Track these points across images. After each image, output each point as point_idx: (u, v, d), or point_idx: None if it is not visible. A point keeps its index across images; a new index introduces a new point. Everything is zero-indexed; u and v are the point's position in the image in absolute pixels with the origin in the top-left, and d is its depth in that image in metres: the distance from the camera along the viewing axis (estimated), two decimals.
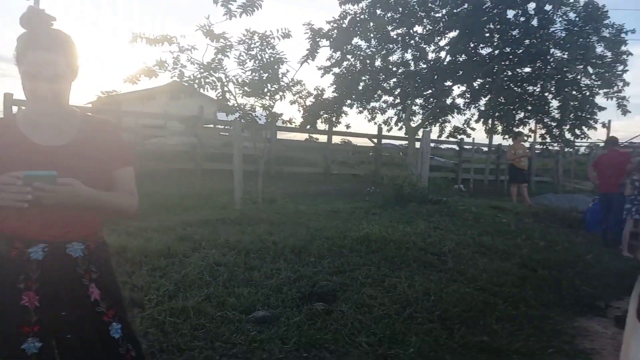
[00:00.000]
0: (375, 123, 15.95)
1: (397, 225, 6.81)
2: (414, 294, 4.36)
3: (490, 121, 14.57)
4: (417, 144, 12.72)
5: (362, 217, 7.54)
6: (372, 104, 15.46)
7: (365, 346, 3.44)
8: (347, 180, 13.52)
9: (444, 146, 17.28)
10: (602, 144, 20.28)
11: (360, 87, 14.43)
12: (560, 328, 4.12)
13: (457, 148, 15.76)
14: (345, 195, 9.49)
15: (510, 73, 14.11)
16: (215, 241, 5.51)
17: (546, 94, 13.93)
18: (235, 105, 7.92)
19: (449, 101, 15.19)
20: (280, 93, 7.94)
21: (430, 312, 4.06)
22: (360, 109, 15.24)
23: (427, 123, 15.01)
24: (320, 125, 14.11)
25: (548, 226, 8.40)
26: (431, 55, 14.39)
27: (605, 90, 12.15)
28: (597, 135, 28.19)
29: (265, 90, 7.75)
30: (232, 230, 6.16)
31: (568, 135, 13.24)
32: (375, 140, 14.24)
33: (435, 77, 14.10)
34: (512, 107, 14.29)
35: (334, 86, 13.95)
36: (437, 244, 6.02)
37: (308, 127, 13.83)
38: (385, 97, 15.18)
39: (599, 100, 12.65)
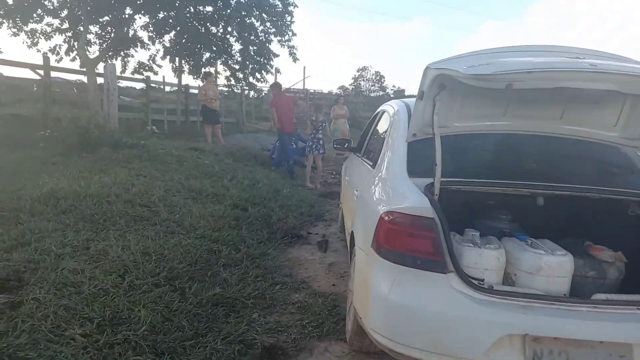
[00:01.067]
0: (38, 51, 12.94)
1: (90, 176, 5.68)
2: (131, 257, 3.69)
3: (177, 59, 14.01)
4: (99, 80, 11.02)
5: (39, 170, 5.96)
6: (32, 26, 12.39)
7: (80, 339, 2.65)
8: (5, 122, 10.54)
9: (124, 84, 15.74)
10: (266, 89, 23.03)
11: (10, 1, 11.23)
12: (279, 263, 4.31)
13: (144, 86, 14.61)
14: (6, 143, 7.30)
15: (192, 10, 13.77)
16: None
17: (228, 37, 14.34)
18: None
19: (130, 33, 13.70)
20: None
21: (154, 274, 3.52)
22: (15, 30, 11.98)
23: (107, 56, 13.17)
24: None
25: (245, 165, 8.84)
26: None
27: (278, 38, 13.44)
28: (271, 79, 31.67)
29: None
30: None
31: (251, 79, 14.16)
32: (41, 72, 11.48)
33: (113, 1, 12.31)
34: (197, 47, 14.12)
35: None
36: (144, 193, 5.34)
37: None
38: (48, 19, 12.39)
39: (274, 47, 13.90)
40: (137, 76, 14.33)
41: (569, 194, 2.40)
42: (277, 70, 16.01)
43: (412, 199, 2.16)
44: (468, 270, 2.08)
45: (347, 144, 4.89)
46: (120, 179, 5.64)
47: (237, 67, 14.31)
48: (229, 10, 13.08)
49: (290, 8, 13.31)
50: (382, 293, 2.08)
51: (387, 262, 2.10)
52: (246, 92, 16.91)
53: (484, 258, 2.11)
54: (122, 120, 10.34)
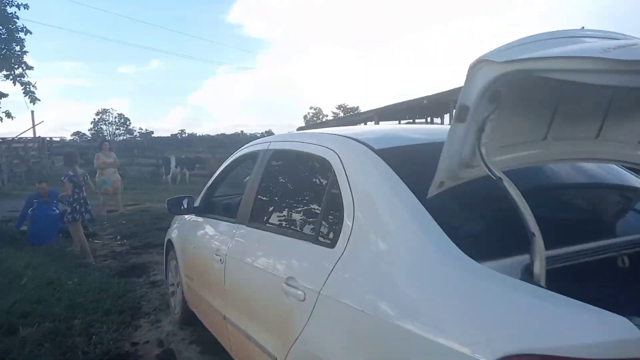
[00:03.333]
0: None
1: None
2: None
3: None
4: None
5: None
6: None
7: None
8: None
9: None
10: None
11: None
12: None
13: None
14: None
15: None
16: None
17: None
18: None
19: None
20: None
21: None
22: None
23: None
24: None
25: None
26: None
27: (6, 72, 10.12)
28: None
29: None
30: None
31: None
32: None
33: None
34: None
35: None
36: None
37: None
38: None
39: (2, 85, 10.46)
40: None
41: None
42: (8, 115, 12.22)
43: (597, 322, 1.07)
44: None
45: (187, 202, 3.39)
46: None
47: None
48: None
49: (20, 35, 10.24)
50: None
51: None
52: None
53: None
54: None
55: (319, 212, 1.90)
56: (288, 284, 1.84)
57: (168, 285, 4.20)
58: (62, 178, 6.27)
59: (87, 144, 29.65)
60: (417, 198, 1.50)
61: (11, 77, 10.16)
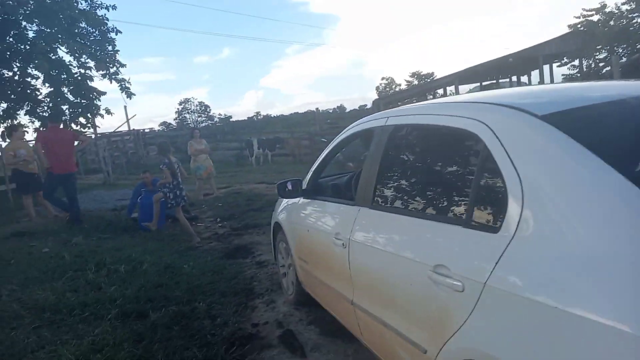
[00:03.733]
0: None
1: None
2: None
3: None
4: None
5: None
6: None
7: None
8: None
9: None
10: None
11: None
12: None
13: None
14: None
15: None
16: None
17: (29, 79, 11.20)
18: None
19: None
20: None
21: None
22: None
23: None
24: None
25: (103, 238, 6.40)
26: None
27: (102, 72, 10.86)
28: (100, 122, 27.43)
29: None
30: None
31: (74, 126, 11.21)
32: None
33: None
34: None
35: None
36: None
37: None
38: None
39: (100, 84, 11.25)
40: None
41: None
42: (108, 111, 13.20)
43: None
44: None
45: (292, 184, 3.37)
46: None
47: (49, 114, 11.21)
48: (26, 46, 10.15)
49: (111, 35, 10.89)
50: None
51: None
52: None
53: None
54: None
55: (468, 193, 1.70)
56: (437, 273, 1.68)
57: (278, 267, 4.24)
58: (161, 166, 6.59)
59: (174, 133, 31.34)
60: (621, 174, 1.24)
61: (107, 76, 10.87)
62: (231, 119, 58.37)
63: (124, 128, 23.40)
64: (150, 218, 7.06)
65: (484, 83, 26.39)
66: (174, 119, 63.83)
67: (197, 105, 67.27)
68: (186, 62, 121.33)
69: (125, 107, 24.65)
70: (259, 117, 63.03)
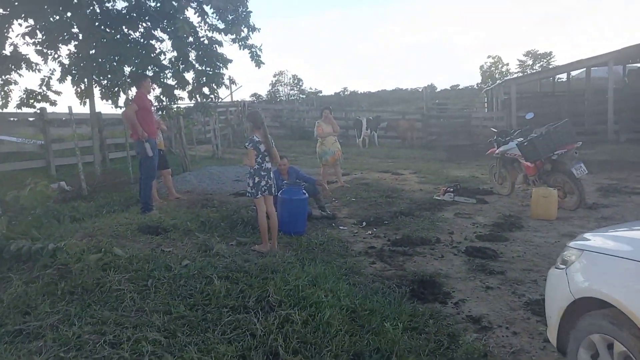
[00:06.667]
0: None
1: None
2: None
3: (86, 80, 9.85)
4: None
5: None
6: None
7: None
8: None
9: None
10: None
11: None
12: None
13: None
14: None
15: (98, 9, 9.75)
16: None
17: (153, 41, 10.40)
18: None
19: (8, 49, 9.35)
20: None
21: None
22: None
23: None
24: None
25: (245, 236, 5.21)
26: None
27: (231, 36, 9.74)
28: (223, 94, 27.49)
29: None
30: None
31: (198, 97, 10.29)
32: None
33: None
34: (110, 59, 10.05)
35: None
36: None
37: None
38: None
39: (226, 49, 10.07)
40: (25, 110, 9.98)
41: None
42: (232, 81, 12.24)
43: None
44: None
45: None
46: None
47: (173, 82, 10.40)
48: (157, 4, 9.27)
49: None
50: None
51: None
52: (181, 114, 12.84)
53: None
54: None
55: None
56: None
57: None
58: (246, 144, 5.15)
59: (266, 106, 30.46)
60: None
61: (237, 41, 9.73)
62: (320, 94, 57.12)
63: (228, 99, 22.89)
64: (296, 222, 5.74)
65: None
66: (267, 92, 63.83)
67: (290, 78, 66.80)
68: (279, 29, 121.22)
69: (229, 77, 24.06)
70: (346, 93, 61.21)
